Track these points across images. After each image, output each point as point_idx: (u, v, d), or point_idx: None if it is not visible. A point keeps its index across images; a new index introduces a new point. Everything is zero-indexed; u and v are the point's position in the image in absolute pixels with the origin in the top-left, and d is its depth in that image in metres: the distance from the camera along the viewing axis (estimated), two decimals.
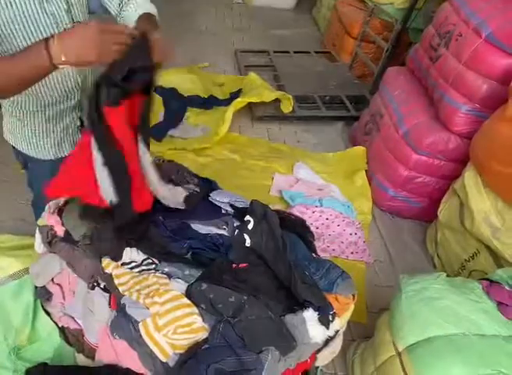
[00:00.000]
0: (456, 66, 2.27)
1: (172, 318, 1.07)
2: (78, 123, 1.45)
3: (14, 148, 1.47)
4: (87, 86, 1.37)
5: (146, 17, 1.28)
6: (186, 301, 1.12)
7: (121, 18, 1.39)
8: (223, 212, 1.44)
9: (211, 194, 1.50)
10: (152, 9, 1.36)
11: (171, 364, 1.05)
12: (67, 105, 1.35)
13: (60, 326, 1.38)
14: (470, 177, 2.06)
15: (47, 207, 1.38)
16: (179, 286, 1.17)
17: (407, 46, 3.51)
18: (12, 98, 1.28)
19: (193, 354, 1.03)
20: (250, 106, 3.33)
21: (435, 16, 2.61)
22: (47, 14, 1.14)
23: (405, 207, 2.61)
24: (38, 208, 1.75)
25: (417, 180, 2.48)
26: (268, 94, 3.26)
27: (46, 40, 0.92)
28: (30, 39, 1.14)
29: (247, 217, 1.31)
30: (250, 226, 1.29)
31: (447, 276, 1.52)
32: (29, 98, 1.28)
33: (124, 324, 1.12)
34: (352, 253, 2.29)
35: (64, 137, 1.43)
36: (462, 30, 2.26)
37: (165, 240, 1.27)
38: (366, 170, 2.83)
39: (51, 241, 1.33)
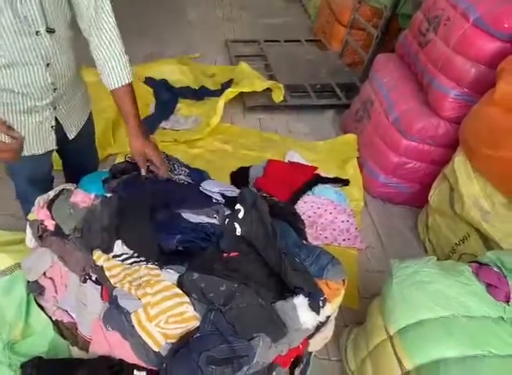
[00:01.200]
0: (444, 51, 2.26)
1: (163, 308, 1.08)
2: (53, 123, 1.43)
3: None
4: (60, 87, 1.35)
5: (131, 102, 1.39)
6: (177, 290, 1.13)
7: (104, 76, 1.37)
8: (214, 201, 1.44)
9: (201, 184, 1.51)
10: (125, 59, 1.37)
11: (163, 353, 1.07)
12: (41, 104, 1.33)
13: (54, 319, 1.39)
14: (460, 162, 2.07)
15: (36, 201, 1.38)
16: (170, 276, 1.17)
17: (397, 32, 3.46)
18: None
19: (185, 343, 1.05)
20: (241, 96, 3.32)
21: (424, 1, 2.59)
22: (19, 18, 1.11)
23: (396, 193, 2.62)
24: (23, 203, 1.75)
25: (407, 165, 2.49)
26: (260, 84, 3.24)
27: None
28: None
29: (238, 206, 1.32)
30: (240, 215, 1.29)
31: (438, 259, 1.54)
32: (4, 91, 1.26)
33: (116, 316, 1.13)
34: (344, 240, 2.30)
35: (39, 134, 1.41)
36: (450, 15, 2.26)
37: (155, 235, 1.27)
38: (358, 158, 2.83)
39: (41, 235, 1.33)
